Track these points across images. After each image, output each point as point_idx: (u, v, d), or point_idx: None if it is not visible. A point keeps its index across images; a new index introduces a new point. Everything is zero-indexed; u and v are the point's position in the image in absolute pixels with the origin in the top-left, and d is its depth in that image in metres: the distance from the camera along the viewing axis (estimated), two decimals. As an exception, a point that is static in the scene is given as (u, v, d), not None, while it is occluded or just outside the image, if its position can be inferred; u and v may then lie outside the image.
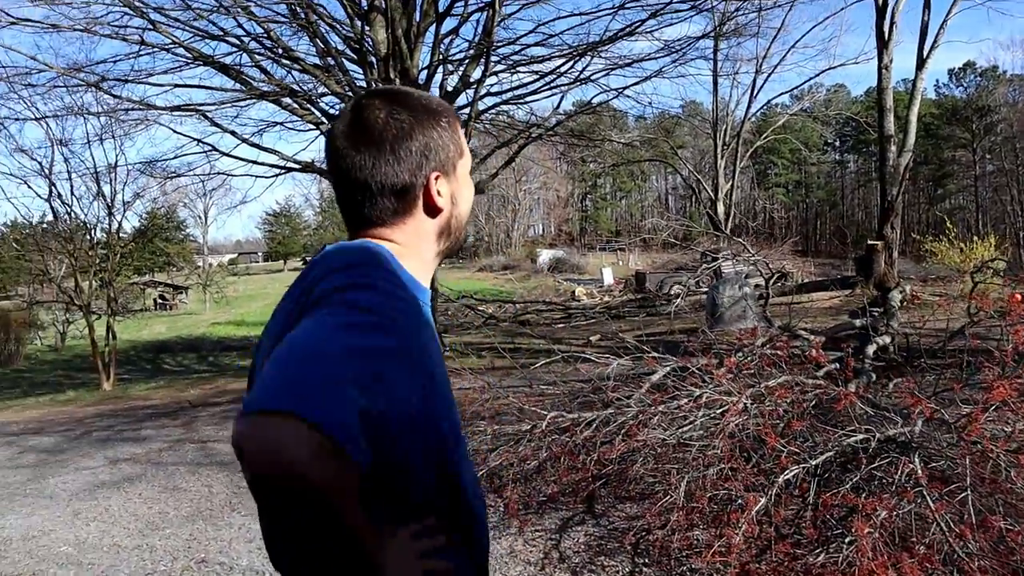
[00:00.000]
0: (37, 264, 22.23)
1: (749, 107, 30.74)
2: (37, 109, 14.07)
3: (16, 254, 25.85)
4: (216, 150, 14.58)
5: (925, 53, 16.29)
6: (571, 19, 13.89)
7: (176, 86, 13.43)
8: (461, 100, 13.98)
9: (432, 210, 1.25)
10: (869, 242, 16.68)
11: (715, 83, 28.49)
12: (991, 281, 9.34)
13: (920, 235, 23.28)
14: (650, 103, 16.37)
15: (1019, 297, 5.70)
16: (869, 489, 3.56)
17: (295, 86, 13.47)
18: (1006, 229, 43.12)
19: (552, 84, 14.18)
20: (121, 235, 20.49)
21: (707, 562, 3.41)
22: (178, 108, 13.36)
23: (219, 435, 8.59)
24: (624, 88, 14.65)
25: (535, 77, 14.18)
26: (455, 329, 19.40)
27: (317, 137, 15.14)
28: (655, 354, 5.66)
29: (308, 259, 1.30)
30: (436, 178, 1.23)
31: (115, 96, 13.08)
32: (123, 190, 19.05)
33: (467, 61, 13.74)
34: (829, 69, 33.44)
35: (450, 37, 13.88)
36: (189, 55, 12.40)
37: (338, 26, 13.65)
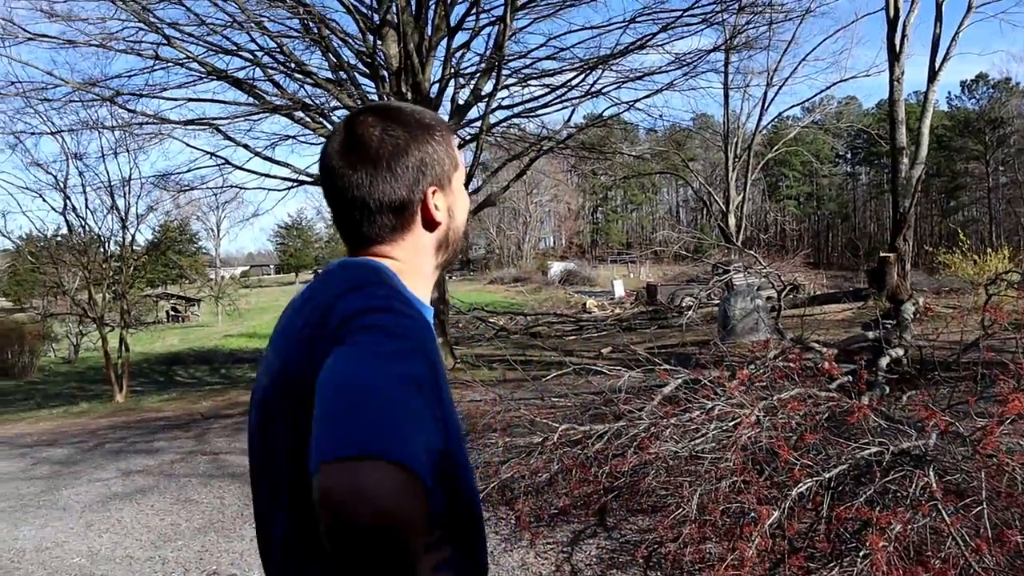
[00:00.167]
0: (51, 276, 22.35)
1: (760, 119, 30.75)
2: (53, 123, 14.21)
3: (31, 267, 26.05)
4: (229, 163, 14.71)
5: (937, 65, 16.26)
6: (582, 33, 14.00)
7: (190, 100, 13.58)
8: (472, 113, 14.07)
9: (430, 224, 1.25)
10: (882, 254, 16.60)
11: (726, 96, 28.49)
12: (1005, 293, 9.27)
13: (933, 247, 23.17)
14: (661, 116, 16.42)
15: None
16: (883, 503, 3.53)
17: (308, 100, 13.57)
18: (1020, 241, 42.78)
19: (563, 97, 14.24)
20: (134, 248, 20.61)
21: (720, 575, 3.39)
22: (192, 122, 13.49)
23: (231, 447, 8.61)
24: (635, 101, 14.70)
25: (546, 90, 14.25)
26: (466, 341, 19.40)
27: (329, 150, 15.19)
28: (667, 366, 5.65)
29: (319, 271, 1.30)
30: (433, 192, 1.23)
31: (130, 110, 13.22)
32: (137, 203, 19.17)
33: (478, 75, 13.82)
34: (840, 82, 33.26)
35: (461, 51, 13.98)
36: (203, 70, 12.53)
37: (350, 40, 13.76)
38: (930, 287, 20.29)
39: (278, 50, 12.71)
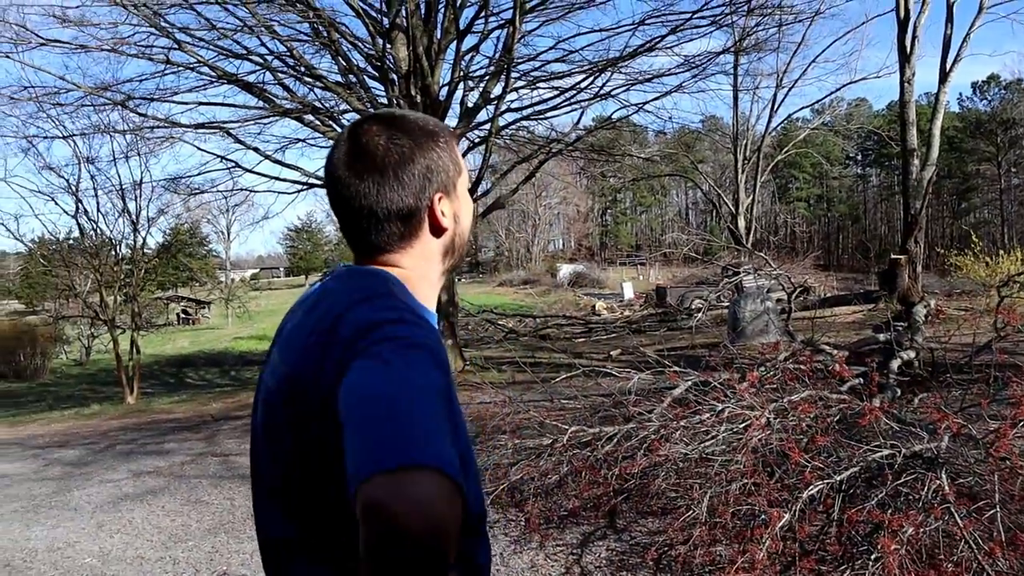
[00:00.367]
0: (63, 279, 22.51)
1: (770, 121, 30.62)
2: (65, 127, 14.29)
3: (43, 269, 26.23)
4: (239, 167, 14.75)
5: (948, 66, 16.17)
6: (591, 35, 14.07)
7: (200, 104, 13.64)
8: (481, 116, 14.07)
9: (437, 230, 1.25)
10: (892, 256, 16.51)
11: (735, 98, 28.43)
12: (1018, 295, 9.21)
13: (944, 249, 23.04)
14: (670, 118, 16.37)
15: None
16: (895, 505, 3.51)
17: (317, 103, 13.61)
18: (1032, 243, 42.55)
19: (572, 100, 14.23)
20: (145, 251, 20.72)
21: (730, 578, 3.37)
22: (202, 126, 13.55)
23: (241, 448, 8.63)
24: (644, 103, 14.69)
25: (555, 93, 14.24)
26: (476, 343, 19.41)
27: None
28: (677, 368, 5.63)
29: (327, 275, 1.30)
30: (439, 199, 1.23)
31: (141, 114, 13.29)
32: (148, 206, 19.28)
33: (487, 77, 13.83)
34: (850, 83, 33.06)
35: (471, 54, 14.01)
36: (213, 74, 12.58)
37: (360, 44, 13.81)
38: (942, 289, 20.19)
39: (288, 54, 12.76)
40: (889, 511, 3.39)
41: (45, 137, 14.45)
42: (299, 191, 15.21)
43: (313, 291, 1.25)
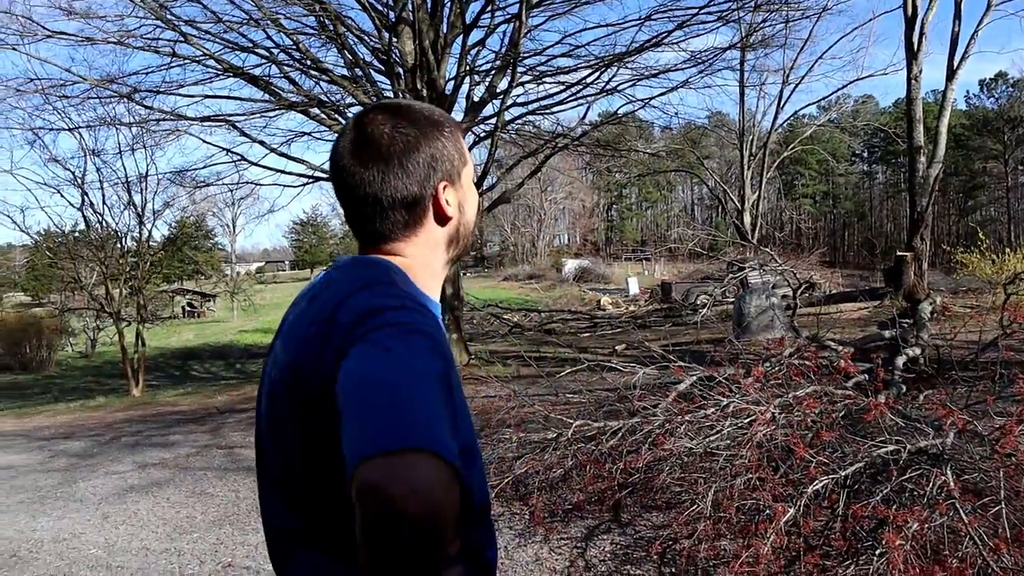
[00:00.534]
0: (69, 272, 22.58)
1: (776, 118, 30.47)
2: (71, 120, 14.32)
3: (49, 262, 26.31)
4: (245, 160, 14.79)
5: (955, 63, 16.08)
6: (597, 30, 13.98)
7: (206, 97, 13.65)
8: (487, 110, 14.06)
9: (442, 219, 1.26)
10: (898, 253, 16.47)
11: (742, 94, 28.27)
12: (1024, 293, 9.18)
13: (951, 246, 22.96)
14: (676, 114, 16.40)
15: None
16: (900, 501, 3.51)
17: (323, 97, 13.60)
18: (1039, 241, 42.39)
19: (578, 94, 14.20)
20: (151, 243, 20.78)
21: (735, 572, 3.37)
22: (208, 119, 13.56)
23: (246, 441, 8.66)
24: (650, 99, 14.63)
25: (561, 87, 14.21)
26: (481, 337, 19.43)
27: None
28: (682, 363, 5.63)
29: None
30: (444, 188, 1.24)
31: (147, 107, 13.29)
32: (153, 199, 19.38)
33: (494, 72, 13.80)
34: (857, 80, 32.84)
35: (477, 48, 13.97)
36: (219, 67, 12.58)
37: (366, 38, 13.79)
38: (947, 287, 20.15)
39: (294, 47, 12.75)
40: (894, 507, 3.38)
41: (51, 129, 14.48)
42: (305, 184, 15.23)
43: (317, 281, 1.26)
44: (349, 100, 13.56)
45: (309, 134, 15.24)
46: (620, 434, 4.82)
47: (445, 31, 13.06)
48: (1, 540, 5.60)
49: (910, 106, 16.67)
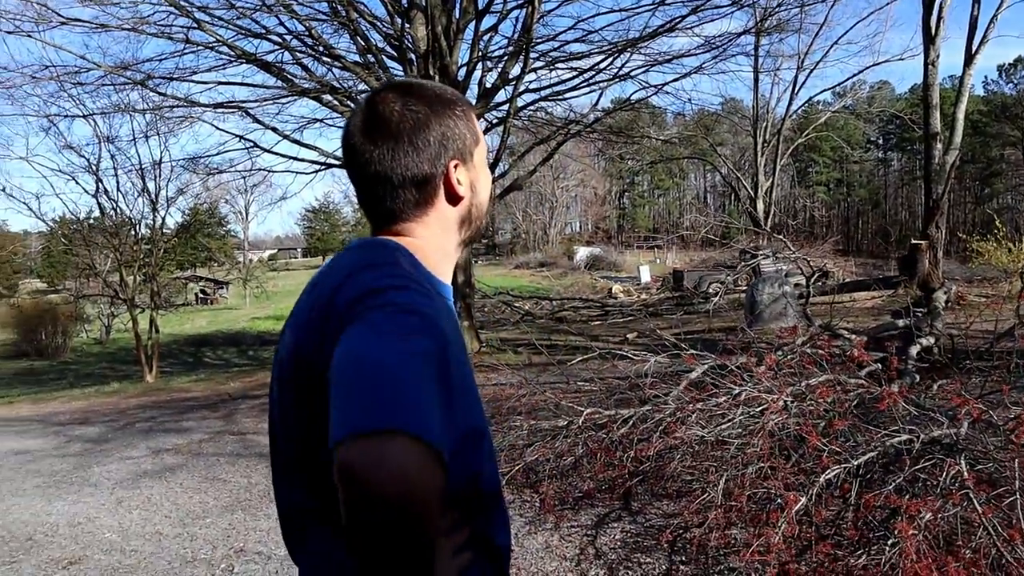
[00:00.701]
0: (84, 258, 22.75)
1: (790, 104, 30.30)
2: (85, 107, 14.36)
3: (64, 248, 26.50)
4: (257, 146, 14.81)
5: (974, 48, 15.93)
6: (611, 15, 13.99)
7: (219, 83, 13.66)
8: (500, 97, 14.00)
9: (453, 199, 1.25)
10: (913, 241, 16.37)
11: (756, 80, 28.11)
12: (1041, 282, 9.09)
13: (966, 235, 22.74)
14: (689, 100, 16.29)
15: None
16: (913, 491, 3.49)
17: (336, 83, 13.59)
18: (1057, 229, 41.93)
19: (591, 81, 14.12)
20: (165, 230, 20.89)
21: (745, 561, 3.37)
22: (221, 105, 13.58)
23: (258, 427, 8.71)
24: (663, 85, 14.54)
25: (574, 74, 14.13)
26: (492, 325, 19.44)
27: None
28: (693, 352, 5.61)
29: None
30: (455, 166, 1.23)
31: (160, 94, 13.32)
32: (167, 186, 19.46)
33: (506, 58, 13.74)
34: (873, 65, 32.45)
35: (489, 34, 13.90)
36: (232, 53, 12.58)
37: (378, 23, 13.75)
38: (963, 275, 20.00)
39: (307, 33, 12.73)
40: (907, 496, 3.36)
41: (66, 116, 14.53)
42: (317, 171, 15.25)
43: (325, 264, 1.25)
44: (362, 86, 13.53)
45: (321, 121, 15.26)
46: (631, 422, 4.82)
47: (458, 17, 13.00)
48: (17, 523, 5.67)
49: (927, 92, 16.52)
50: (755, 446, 3.82)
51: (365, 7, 13.57)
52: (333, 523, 1.12)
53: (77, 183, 20.31)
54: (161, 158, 18.40)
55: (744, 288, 17.11)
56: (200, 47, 12.33)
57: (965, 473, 3.25)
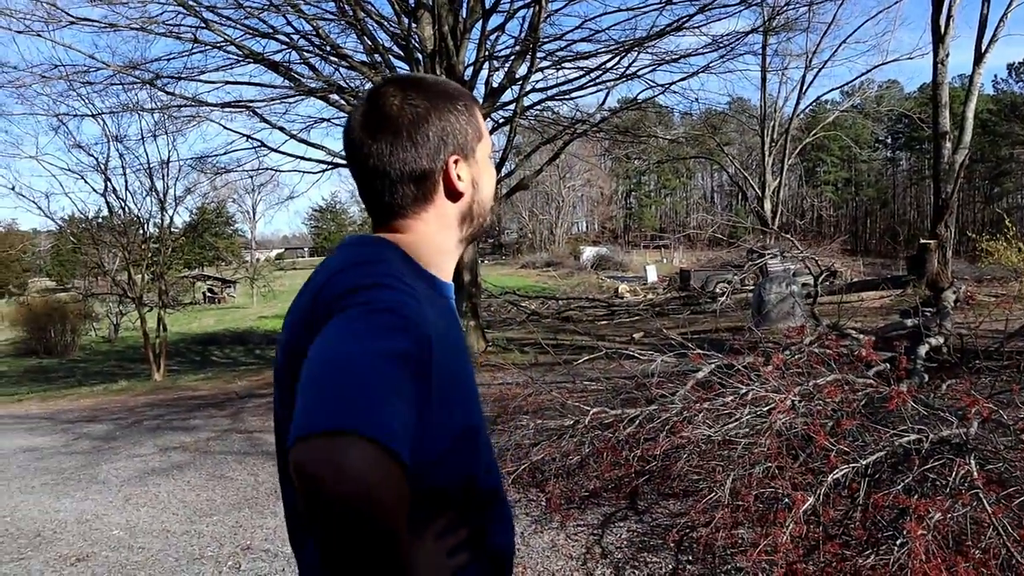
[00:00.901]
0: (92, 257, 22.84)
1: (798, 103, 30.22)
2: (94, 106, 14.46)
3: (73, 247, 26.61)
4: (265, 146, 14.85)
5: (984, 47, 15.84)
6: (618, 15, 13.78)
7: (227, 83, 13.70)
8: (506, 96, 14.01)
9: (453, 195, 1.23)
10: (922, 241, 16.29)
11: (763, 79, 28.07)
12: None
13: (976, 234, 22.61)
14: (696, 99, 16.13)
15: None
16: (922, 491, 3.47)
17: (343, 83, 13.61)
18: (1067, 229, 41.61)
19: (598, 80, 14.10)
20: (172, 229, 21.02)
21: (752, 561, 3.35)
22: (229, 105, 13.63)
23: (265, 426, 8.72)
24: (670, 84, 14.51)
25: (581, 73, 14.12)
26: (498, 325, 19.43)
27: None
28: (700, 351, 5.59)
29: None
30: (455, 162, 1.21)
31: (169, 93, 13.38)
32: (175, 185, 19.55)
33: (513, 57, 13.74)
34: (882, 64, 32.54)
35: (496, 33, 13.91)
36: (240, 53, 12.61)
37: (385, 23, 13.75)
38: (972, 275, 19.88)
39: (314, 33, 12.76)
40: (916, 496, 3.34)
41: (75, 115, 14.62)
42: (324, 171, 15.28)
43: (320, 263, 1.25)
44: (368, 86, 13.54)
45: (328, 120, 15.29)
46: (638, 421, 4.81)
47: (464, 16, 13.00)
48: (26, 520, 5.69)
49: (936, 91, 16.44)
50: (762, 446, 3.81)
51: (372, 7, 13.59)
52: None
53: (86, 182, 20.63)
54: (169, 157, 18.53)
55: (751, 288, 17.06)
56: (208, 47, 12.36)
57: (975, 473, 3.23)
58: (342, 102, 13.75)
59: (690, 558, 3.96)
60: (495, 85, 13.66)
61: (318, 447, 0.86)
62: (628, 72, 13.89)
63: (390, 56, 13.68)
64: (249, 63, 13.03)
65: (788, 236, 15.23)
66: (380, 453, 0.86)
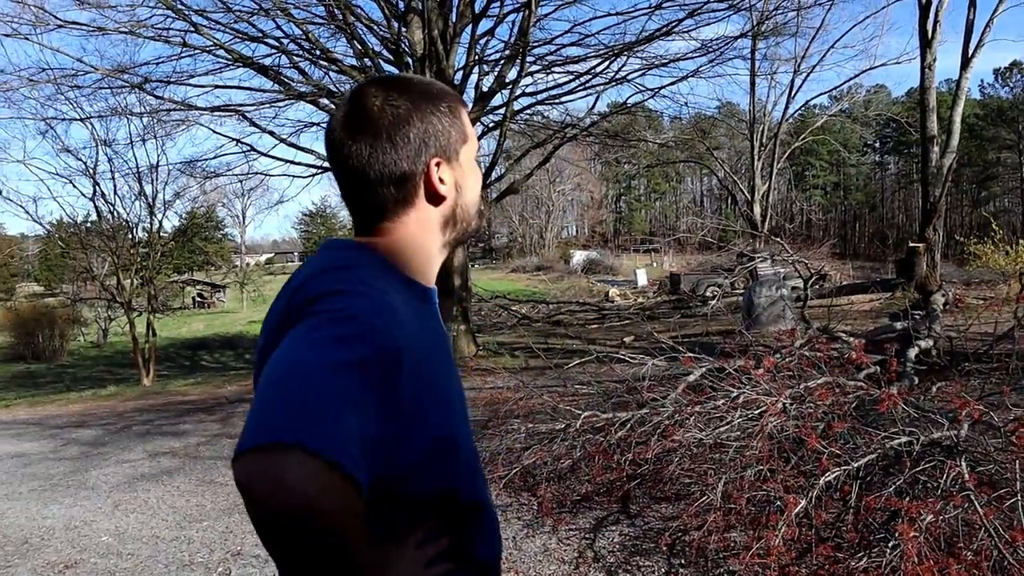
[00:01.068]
0: (81, 262, 22.78)
1: (787, 108, 30.30)
2: (82, 110, 14.40)
3: (61, 252, 26.48)
4: (254, 150, 14.84)
5: (970, 52, 15.95)
6: (607, 19, 13.93)
7: (216, 87, 13.68)
8: (496, 100, 14.04)
9: (435, 198, 1.20)
10: (910, 244, 16.39)
11: (752, 83, 28.14)
12: (1039, 284, 9.10)
13: (964, 238, 22.77)
14: (686, 103, 16.21)
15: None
16: (913, 493, 3.47)
17: (332, 87, 13.60)
18: (1053, 232, 41.96)
19: (587, 84, 14.16)
20: (162, 234, 20.90)
21: (745, 564, 3.35)
22: (218, 109, 13.60)
23: (255, 431, 8.68)
24: (660, 88, 14.59)
25: (570, 77, 14.18)
26: (489, 329, 19.42)
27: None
28: (691, 354, 5.59)
29: None
30: (437, 165, 1.18)
31: (157, 97, 13.35)
32: (164, 190, 19.48)
33: (502, 62, 13.77)
34: (870, 69, 32.42)
35: (486, 38, 13.95)
36: (229, 57, 12.59)
37: (375, 27, 13.76)
38: (960, 278, 20.01)
39: (303, 37, 12.75)
40: (907, 499, 3.34)
41: (63, 119, 14.58)
42: (314, 175, 15.31)
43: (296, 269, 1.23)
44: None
45: (318, 124, 15.28)
46: (629, 425, 4.80)
47: (454, 20, 13.02)
48: (13, 527, 5.64)
49: (923, 95, 16.55)
50: (754, 449, 3.81)
51: (362, 11, 13.61)
52: None
53: (74, 186, 20.51)
54: (158, 162, 18.46)
55: (741, 291, 17.11)
56: (197, 51, 12.35)
57: (966, 475, 3.24)
58: (332, 106, 13.72)
59: (682, 562, 3.95)
60: (485, 89, 13.69)
61: (258, 461, 0.84)
62: (618, 76, 13.97)
63: (380, 60, 13.69)
64: (239, 67, 13.03)
65: (778, 240, 15.26)
66: (321, 465, 0.83)
